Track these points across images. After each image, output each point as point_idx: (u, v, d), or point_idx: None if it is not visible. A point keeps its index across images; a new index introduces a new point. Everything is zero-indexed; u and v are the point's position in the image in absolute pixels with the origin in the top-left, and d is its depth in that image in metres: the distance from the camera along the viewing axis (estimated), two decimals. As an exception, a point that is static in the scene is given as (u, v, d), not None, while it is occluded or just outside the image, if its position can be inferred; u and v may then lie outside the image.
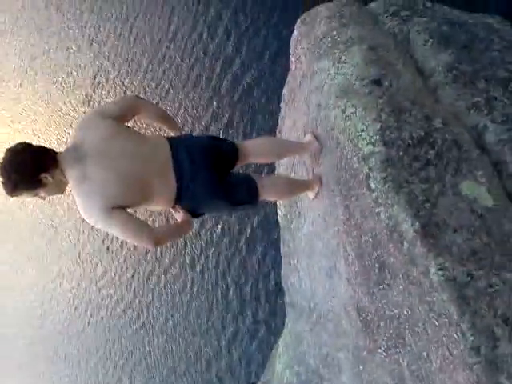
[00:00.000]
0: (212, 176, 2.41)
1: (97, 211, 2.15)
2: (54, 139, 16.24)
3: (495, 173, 2.36)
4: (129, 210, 2.24)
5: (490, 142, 2.44)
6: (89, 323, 14.80)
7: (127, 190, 2.21)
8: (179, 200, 2.38)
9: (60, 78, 16.10)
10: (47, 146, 2.32)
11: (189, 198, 2.39)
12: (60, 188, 2.26)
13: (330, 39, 2.85)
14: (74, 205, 2.36)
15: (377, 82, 2.45)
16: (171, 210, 2.46)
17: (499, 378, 1.78)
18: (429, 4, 3.21)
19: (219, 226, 8.56)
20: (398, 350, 2.20)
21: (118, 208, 2.17)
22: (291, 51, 3.42)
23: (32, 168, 2.13)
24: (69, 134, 15.45)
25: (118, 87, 12.51)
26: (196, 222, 2.62)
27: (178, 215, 2.45)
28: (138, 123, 9.53)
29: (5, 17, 20.92)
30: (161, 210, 2.54)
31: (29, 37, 18.59)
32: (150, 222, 9.70)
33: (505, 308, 1.89)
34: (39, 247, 18.31)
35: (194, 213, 2.48)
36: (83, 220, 2.26)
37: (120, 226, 2.18)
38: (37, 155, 2.17)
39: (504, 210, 2.23)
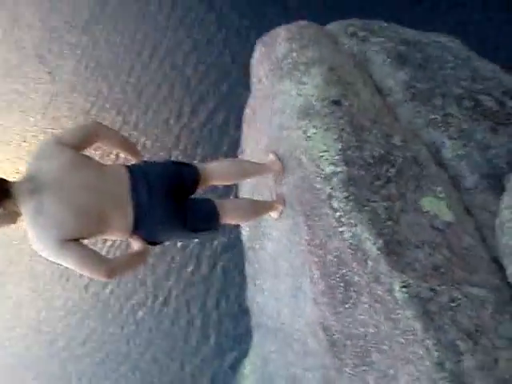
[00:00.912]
0: (169, 205, 2.37)
1: (51, 244, 2.07)
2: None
3: (453, 188, 2.42)
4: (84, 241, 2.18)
5: (447, 157, 2.51)
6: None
7: (83, 222, 2.15)
8: (136, 229, 2.34)
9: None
10: (-1, 175, 2.23)
11: (146, 228, 2.34)
12: (12, 219, 2.15)
13: (290, 60, 2.88)
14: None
15: (337, 103, 2.49)
16: (128, 239, 2.40)
17: (465, 393, 1.81)
18: (385, 24, 3.30)
19: (179, 253, 8.50)
20: (364, 368, 2.20)
21: (73, 240, 2.11)
22: (252, 73, 3.44)
23: None
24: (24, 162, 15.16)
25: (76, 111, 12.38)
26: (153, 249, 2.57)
27: (135, 244, 2.40)
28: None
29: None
30: (118, 239, 2.47)
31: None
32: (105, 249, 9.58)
33: (467, 322, 1.92)
34: None
35: (152, 241, 2.44)
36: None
37: (74, 258, 2.10)
38: None
39: (463, 224, 2.28)
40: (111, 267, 2.19)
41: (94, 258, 2.16)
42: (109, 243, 9.58)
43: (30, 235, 2.10)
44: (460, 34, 3.45)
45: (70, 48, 12.95)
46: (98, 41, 11.84)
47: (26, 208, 2.09)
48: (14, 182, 2.14)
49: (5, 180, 2.14)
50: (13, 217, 2.15)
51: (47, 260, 2.21)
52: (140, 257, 2.39)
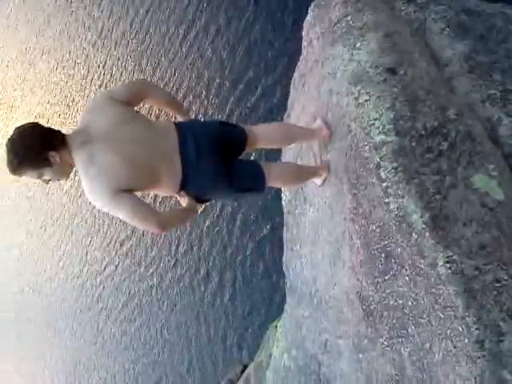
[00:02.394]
0: (217, 164, 2.40)
1: (104, 194, 2.13)
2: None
3: (507, 167, 2.34)
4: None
5: (503, 135, 2.42)
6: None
7: (134, 173, 2.20)
8: (185, 186, 2.37)
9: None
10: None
11: (194, 185, 2.38)
12: (65, 171, 2.22)
13: (344, 24, 2.80)
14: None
15: (392, 71, 2.42)
16: (177, 195, 2.45)
17: (502, 373, 1.79)
18: (446, -9, 3.16)
19: (220, 207, 8.58)
20: (400, 340, 2.20)
21: (125, 191, 2.15)
22: (303, 35, 3.37)
23: (40, 144, 2.10)
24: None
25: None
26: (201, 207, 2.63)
27: (183, 200, 2.45)
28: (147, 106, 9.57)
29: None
30: (167, 194, 2.54)
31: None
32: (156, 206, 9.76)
33: (511, 303, 1.88)
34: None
35: (199, 199, 2.47)
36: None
37: (127, 209, 2.16)
38: (45, 134, 2.15)
39: (514, 204, 2.21)
40: (163, 219, 2.25)
41: (147, 210, 2.22)
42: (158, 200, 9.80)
43: (83, 186, 2.17)
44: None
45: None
46: None
47: (78, 159, 2.16)
48: (68, 134, 2.21)
49: (61, 132, 2.20)
50: (66, 168, 2.22)
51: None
52: (188, 213, 2.45)
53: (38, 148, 2.09)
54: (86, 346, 15.07)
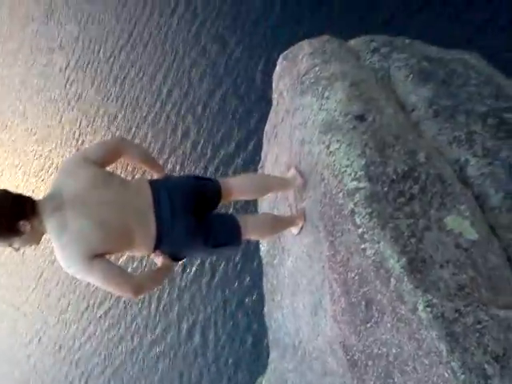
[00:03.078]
0: (191, 221, 2.37)
1: (76, 262, 2.07)
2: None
3: (478, 206, 2.37)
4: (108, 257, 2.18)
5: (471, 175, 2.46)
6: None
7: (106, 236, 2.14)
8: (159, 245, 2.33)
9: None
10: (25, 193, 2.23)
11: (169, 244, 2.34)
12: (36, 238, 2.16)
13: (312, 75, 2.87)
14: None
15: (360, 118, 2.47)
16: (151, 255, 2.40)
17: (492, 418, 1.74)
18: (407, 40, 3.28)
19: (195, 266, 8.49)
20: (387, 389, 2.15)
21: (98, 257, 2.09)
22: (273, 87, 3.44)
23: (11, 214, 2.03)
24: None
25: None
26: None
27: (158, 260, 2.40)
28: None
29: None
30: (141, 254, 2.49)
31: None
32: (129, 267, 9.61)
33: (494, 345, 1.86)
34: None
35: (174, 257, 2.43)
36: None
37: (100, 276, 2.10)
38: (16, 202, 2.07)
39: (488, 243, 2.23)
40: (137, 284, 2.19)
41: (121, 275, 2.17)
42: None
43: (56, 253, 2.10)
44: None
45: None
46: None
47: (49, 226, 2.09)
48: (39, 200, 2.15)
49: (31, 199, 2.14)
50: (37, 236, 2.15)
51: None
52: (163, 273, 2.40)
53: (8, 219, 2.02)
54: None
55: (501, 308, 1.98)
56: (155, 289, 2.55)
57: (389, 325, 2.07)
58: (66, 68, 15.68)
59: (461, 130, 2.63)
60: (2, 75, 20.57)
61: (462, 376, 1.79)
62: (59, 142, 15.34)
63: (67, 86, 15.45)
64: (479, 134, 2.62)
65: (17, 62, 19.74)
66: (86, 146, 12.87)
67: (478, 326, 1.88)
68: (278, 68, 3.40)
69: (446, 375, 1.82)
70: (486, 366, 1.79)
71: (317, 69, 2.89)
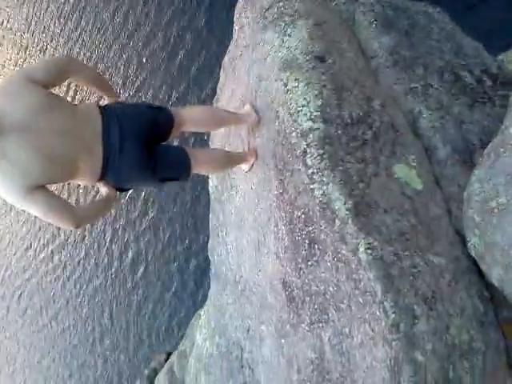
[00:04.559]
0: (140, 152, 2.28)
1: (16, 191, 1.95)
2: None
3: (426, 158, 2.43)
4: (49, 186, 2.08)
5: (423, 127, 2.51)
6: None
7: (51, 169, 2.03)
8: (105, 176, 2.24)
9: None
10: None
11: (115, 174, 2.25)
12: None
13: (276, 10, 2.79)
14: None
15: (321, 59, 2.43)
16: (97, 183, 2.33)
17: (415, 354, 1.86)
18: (375, -14, 3.23)
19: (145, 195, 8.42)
20: (320, 324, 2.24)
21: (40, 187, 1.99)
22: (235, 19, 3.33)
23: None
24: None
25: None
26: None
27: (103, 189, 2.33)
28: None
29: None
30: (86, 183, 2.38)
31: None
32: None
33: (425, 288, 1.96)
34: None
35: (120, 188, 2.37)
36: None
37: (41, 207, 2.01)
38: None
39: (432, 194, 2.30)
40: (79, 215, 2.11)
41: (62, 207, 2.07)
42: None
43: None
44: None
45: None
46: None
47: None
48: None
49: None
50: None
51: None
52: (107, 203, 2.33)
53: None
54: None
55: (435, 255, 2.08)
56: (98, 220, 2.48)
57: (329, 264, 2.13)
58: None
59: (417, 82, 2.66)
60: None
61: (393, 315, 1.88)
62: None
63: None
64: (435, 88, 2.65)
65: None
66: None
67: (413, 270, 1.97)
68: (241, 0, 3.28)
69: (378, 314, 1.91)
70: (415, 306, 1.89)
71: (281, 4, 2.80)
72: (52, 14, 12.67)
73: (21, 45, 14.05)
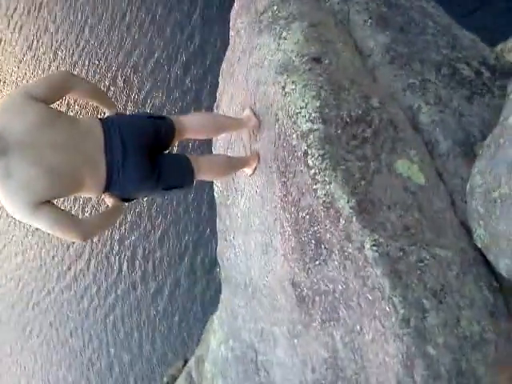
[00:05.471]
0: (143, 163, 2.30)
1: (23, 209, 1.98)
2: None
3: (427, 152, 2.44)
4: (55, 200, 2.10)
5: (422, 122, 2.52)
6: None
7: (56, 184, 2.05)
8: (109, 188, 2.26)
9: None
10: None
11: (119, 185, 2.27)
12: None
13: (270, 14, 2.82)
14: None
15: (317, 60, 2.46)
16: (102, 195, 2.35)
17: (427, 348, 1.87)
18: (367, -16, 3.25)
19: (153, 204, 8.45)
20: (332, 323, 2.26)
21: (45, 202, 2.02)
22: (231, 25, 3.36)
23: None
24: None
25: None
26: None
27: (108, 201, 2.35)
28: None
29: None
30: (90, 196, 2.39)
31: None
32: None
33: (433, 281, 1.97)
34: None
35: (124, 198, 2.39)
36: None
37: (48, 221, 2.03)
38: None
39: (435, 188, 2.32)
40: (85, 228, 2.13)
41: (68, 220, 2.10)
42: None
43: (0, 199, 1.99)
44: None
45: None
46: None
47: None
48: None
49: None
50: None
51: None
52: (114, 214, 2.35)
53: None
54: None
55: (442, 248, 2.09)
56: (105, 231, 2.51)
57: (336, 262, 2.15)
58: None
59: (415, 78, 2.67)
60: None
61: (402, 310, 1.90)
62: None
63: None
64: (433, 82, 2.66)
65: None
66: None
67: (420, 264, 1.99)
68: (236, 5, 3.31)
69: (388, 309, 1.93)
70: (424, 300, 1.91)
71: (275, 8, 2.83)
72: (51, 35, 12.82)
73: (20, 60, 14.19)
